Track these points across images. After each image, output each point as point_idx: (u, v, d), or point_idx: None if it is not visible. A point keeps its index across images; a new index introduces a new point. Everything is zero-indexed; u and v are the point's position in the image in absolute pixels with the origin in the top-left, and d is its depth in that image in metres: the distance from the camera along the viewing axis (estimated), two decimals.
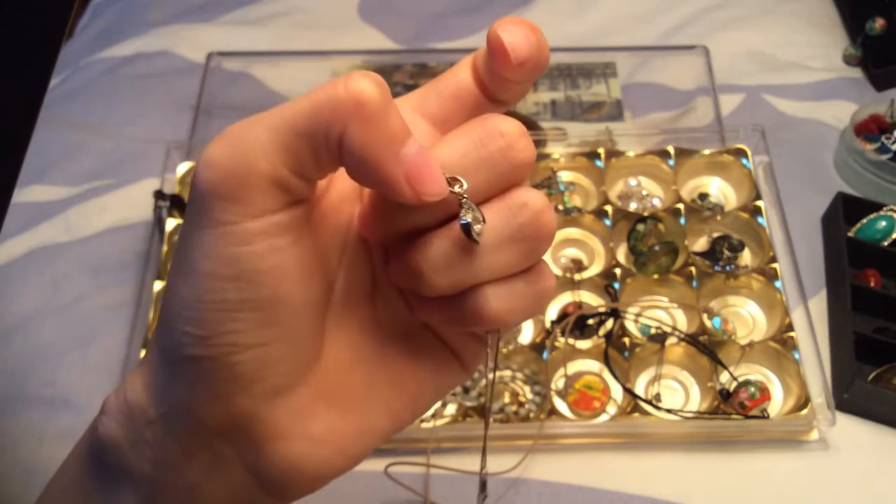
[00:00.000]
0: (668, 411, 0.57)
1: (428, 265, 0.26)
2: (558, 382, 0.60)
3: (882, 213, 0.66)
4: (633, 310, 0.63)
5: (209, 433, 0.27)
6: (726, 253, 0.65)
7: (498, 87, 0.27)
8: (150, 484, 0.27)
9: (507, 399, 0.59)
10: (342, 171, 0.28)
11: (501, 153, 0.25)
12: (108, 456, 0.28)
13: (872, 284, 0.63)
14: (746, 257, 0.66)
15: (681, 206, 0.67)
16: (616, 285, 0.63)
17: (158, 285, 0.64)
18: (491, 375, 0.30)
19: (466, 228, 0.25)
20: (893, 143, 0.70)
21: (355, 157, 0.23)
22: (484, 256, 0.25)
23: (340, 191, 0.28)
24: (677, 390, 0.60)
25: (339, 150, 0.23)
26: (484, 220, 0.25)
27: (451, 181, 0.25)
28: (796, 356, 0.59)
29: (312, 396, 0.27)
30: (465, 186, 0.25)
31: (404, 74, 0.84)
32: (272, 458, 0.27)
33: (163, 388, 0.27)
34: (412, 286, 0.27)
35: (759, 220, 0.67)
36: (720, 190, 0.71)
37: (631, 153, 0.71)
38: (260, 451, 0.27)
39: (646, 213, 0.67)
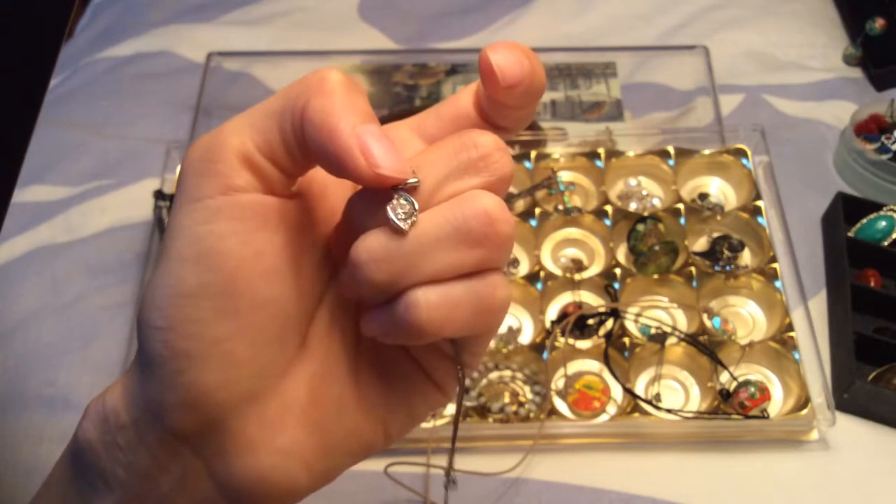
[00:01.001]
0: (668, 411, 0.57)
1: (367, 254, 0.25)
2: (558, 382, 0.60)
3: (882, 213, 0.66)
4: (633, 310, 0.63)
5: (178, 442, 0.27)
6: (726, 253, 0.65)
7: (496, 113, 0.27)
8: (123, 491, 0.27)
9: (507, 399, 0.59)
10: (338, 183, 0.28)
11: (473, 163, 0.25)
12: (86, 460, 0.28)
13: (872, 284, 0.63)
14: (746, 257, 0.66)
15: (681, 206, 0.67)
16: (616, 285, 0.63)
17: None
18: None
19: (392, 216, 0.25)
20: (893, 143, 0.70)
21: (313, 125, 0.24)
22: (423, 248, 0.25)
23: (336, 203, 0.28)
24: (677, 390, 0.60)
25: (301, 124, 0.24)
26: (416, 210, 0.25)
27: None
28: (796, 356, 0.59)
29: (282, 408, 0.27)
30: (415, 181, 0.25)
31: (404, 74, 0.84)
32: (239, 470, 0.27)
33: (136, 393, 0.27)
34: (354, 285, 0.26)
35: (759, 220, 0.67)
36: (720, 190, 0.71)
37: (631, 153, 0.71)
38: (227, 462, 0.27)
39: (646, 213, 0.67)
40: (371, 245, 0.25)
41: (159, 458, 0.27)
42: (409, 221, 0.25)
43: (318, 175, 0.28)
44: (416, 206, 0.25)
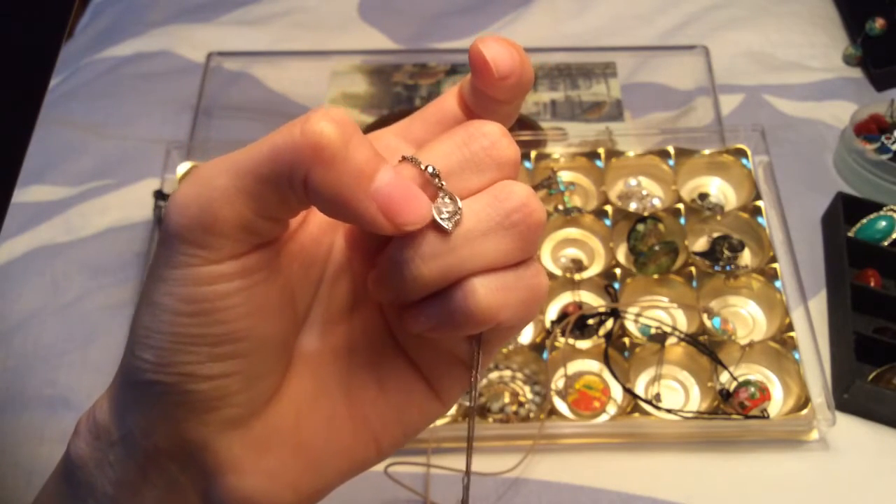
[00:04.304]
0: (668, 411, 0.57)
1: (415, 252, 0.25)
2: (558, 382, 0.60)
3: (882, 213, 0.66)
4: (633, 310, 0.63)
5: (163, 457, 0.26)
6: (726, 253, 0.65)
7: (484, 109, 0.27)
8: None
9: (507, 399, 0.59)
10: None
11: (485, 151, 0.25)
12: (77, 476, 0.28)
13: (872, 284, 0.63)
14: (746, 257, 0.66)
15: (681, 206, 0.67)
16: (616, 285, 0.63)
17: None
18: (479, 380, 0.30)
19: (437, 215, 0.25)
20: (893, 143, 0.70)
21: (323, 199, 0.23)
22: (471, 242, 0.25)
23: (320, 222, 0.28)
24: (677, 390, 0.60)
25: (305, 193, 0.23)
26: (460, 209, 0.25)
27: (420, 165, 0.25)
28: (796, 356, 0.59)
29: (268, 430, 0.27)
30: (435, 171, 0.25)
31: (404, 74, 0.84)
32: (223, 491, 0.26)
33: (123, 409, 0.27)
34: (396, 286, 0.26)
35: (759, 220, 0.67)
36: (720, 190, 0.71)
37: (631, 153, 0.71)
38: (212, 481, 0.26)
39: (646, 213, 0.67)
40: (416, 243, 0.25)
41: (146, 473, 0.27)
42: (453, 221, 0.25)
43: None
44: (460, 206, 0.25)
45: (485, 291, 0.25)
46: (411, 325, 0.26)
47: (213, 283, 0.24)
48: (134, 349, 0.25)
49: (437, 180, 0.25)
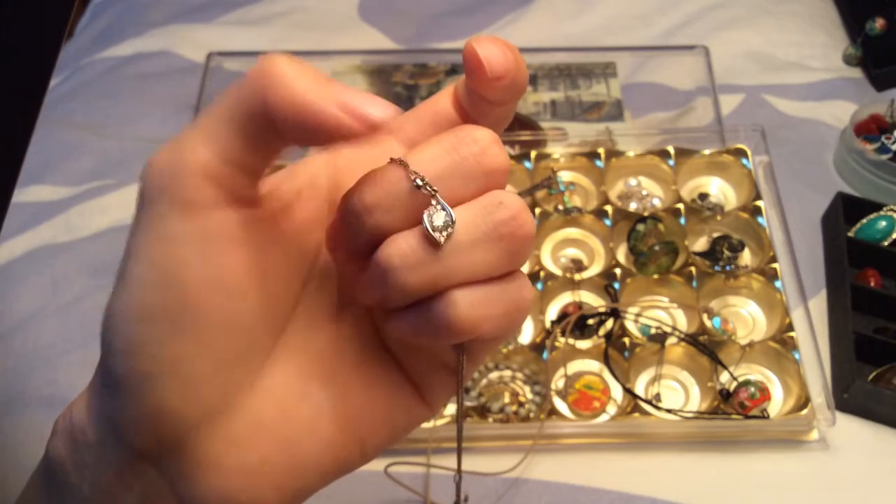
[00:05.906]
0: (668, 411, 0.57)
1: (400, 260, 0.24)
2: (558, 382, 0.60)
3: (882, 213, 0.66)
4: (633, 310, 0.63)
5: (140, 460, 0.26)
6: (726, 253, 0.65)
7: (477, 110, 0.27)
8: None
9: (507, 399, 0.59)
10: (312, 193, 0.27)
11: (475, 158, 0.25)
12: (57, 476, 0.28)
13: (872, 284, 0.63)
14: (746, 257, 0.66)
15: (681, 206, 0.67)
16: (616, 285, 0.63)
17: None
18: (467, 385, 0.29)
19: (429, 226, 0.24)
20: (893, 143, 0.70)
21: (285, 114, 0.23)
22: (458, 254, 0.24)
23: (308, 214, 0.28)
24: (677, 390, 0.60)
25: (266, 118, 0.23)
26: (453, 221, 0.24)
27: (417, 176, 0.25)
28: (796, 356, 0.59)
29: (249, 424, 0.26)
30: (423, 180, 0.24)
31: (404, 74, 0.84)
32: (204, 491, 0.26)
33: (98, 411, 0.27)
34: (381, 292, 0.25)
35: (759, 220, 0.67)
36: (720, 190, 0.71)
37: (631, 153, 0.71)
38: (193, 483, 0.26)
39: (646, 213, 0.67)
40: (403, 251, 0.24)
41: (123, 477, 0.26)
42: (445, 233, 0.24)
43: (285, 187, 0.27)
44: (454, 218, 0.24)
45: (465, 304, 0.25)
46: (394, 331, 0.26)
47: (174, 245, 0.24)
48: (105, 341, 0.25)
49: (428, 188, 0.24)
